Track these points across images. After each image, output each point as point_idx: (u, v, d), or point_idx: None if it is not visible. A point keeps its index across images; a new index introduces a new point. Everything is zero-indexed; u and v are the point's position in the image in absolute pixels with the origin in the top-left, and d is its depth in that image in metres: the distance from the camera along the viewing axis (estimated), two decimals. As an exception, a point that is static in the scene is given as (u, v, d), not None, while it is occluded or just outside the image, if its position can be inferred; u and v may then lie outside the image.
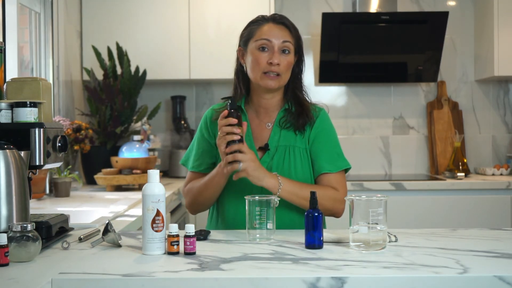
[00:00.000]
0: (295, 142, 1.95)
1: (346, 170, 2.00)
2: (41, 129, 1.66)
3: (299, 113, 1.96)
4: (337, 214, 1.94)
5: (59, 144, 1.74)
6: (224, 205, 1.96)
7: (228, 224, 1.94)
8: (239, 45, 1.99)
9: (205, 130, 2.01)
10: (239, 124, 1.78)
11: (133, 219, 2.21)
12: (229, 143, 1.76)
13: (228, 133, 1.76)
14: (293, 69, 1.96)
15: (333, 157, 1.97)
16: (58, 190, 2.88)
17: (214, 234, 1.77)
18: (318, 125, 1.98)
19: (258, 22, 1.95)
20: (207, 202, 1.97)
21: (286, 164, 1.92)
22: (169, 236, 1.50)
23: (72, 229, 1.80)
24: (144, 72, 3.64)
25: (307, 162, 1.95)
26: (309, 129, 1.97)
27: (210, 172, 1.92)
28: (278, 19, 1.94)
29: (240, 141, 1.77)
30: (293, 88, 1.98)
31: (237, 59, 2.00)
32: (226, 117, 1.78)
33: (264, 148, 1.94)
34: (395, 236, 1.66)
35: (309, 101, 2.01)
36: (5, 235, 1.39)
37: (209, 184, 1.90)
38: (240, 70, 1.99)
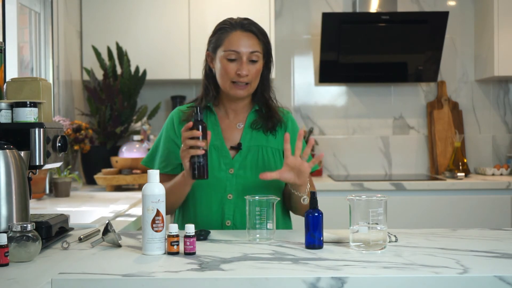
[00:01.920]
0: (267, 143, 1.97)
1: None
2: (41, 129, 1.66)
3: (269, 115, 1.99)
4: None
5: (59, 144, 1.74)
6: (196, 205, 1.95)
7: (200, 225, 1.92)
8: (208, 50, 1.99)
9: (172, 130, 1.99)
10: (204, 137, 1.74)
11: (133, 219, 2.21)
12: (192, 157, 1.74)
13: (192, 147, 1.73)
14: (262, 71, 1.98)
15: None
16: (58, 190, 2.88)
17: (214, 234, 1.77)
18: (291, 128, 2.02)
19: (225, 28, 1.94)
20: (172, 207, 1.95)
21: (260, 164, 1.93)
22: (169, 236, 1.50)
23: (72, 229, 1.80)
24: (144, 72, 3.64)
25: (280, 162, 1.96)
26: (281, 131, 2.00)
27: (175, 177, 1.90)
28: (246, 26, 1.93)
29: (205, 155, 1.73)
30: (262, 90, 2.01)
31: (206, 61, 2.01)
32: (191, 128, 1.74)
33: (237, 148, 1.95)
34: (395, 236, 1.66)
35: (276, 102, 2.03)
36: (5, 235, 1.39)
37: (173, 192, 1.88)
38: (209, 73, 2.00)
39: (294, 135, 2.00)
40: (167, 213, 1.98)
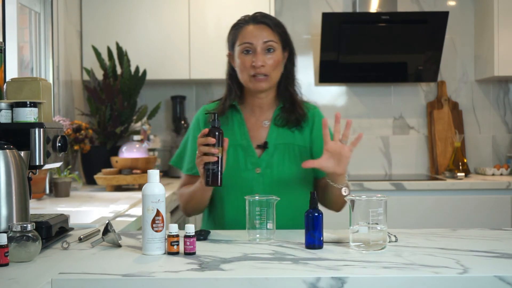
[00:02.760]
0: (294, 140, 1.95)
1: None
2: (41, 129, 1.66)
3: (291, 110, 1.97)
4: (341, 209, 1.98)
5: (59, 144, 1.74)
6: (223, 205, 1.95)
7: (227, 225, 1.93)
8: (228, 50, 2.00)
9: (197, 131, 1.99)
10: (220, 144, 1.71)
11: (133, 219, 2.21)
12: (206, 164, 1.72)
13: (206, 154, 1.71)
14: (285, 65, 1.97)
15: None
16: (58, 190, 2.88)
17: (214, 234, 1.77)
18: (319, 125, 1.98)
19: (239, 25, 1.96)
20: (197, 210, 1.96)
21: (287, 162, 1.92)
22: (169, 236, 1.50)
23: (72, 229, 1.80)
24: (144, 72, 3.64)
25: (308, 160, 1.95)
26: (308, 128, 1.98)
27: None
28: (259, 19, 1.94)
29: (219, 162, 1.70)
30: (286, 85, 2.00)
31: (228, 62, 2.02)
32: (207, 135, 1.72)
33: (263, 146, 1.94)
34: (395, 236, 1.66)
35: (300, 96, 2.02)
36: (5, 235, 1.39)
37: (193, 197, 1.90)
38: (232, 73, 2.00)
39: (321, 131, 1.99)
40: (195, 214, 1.99)
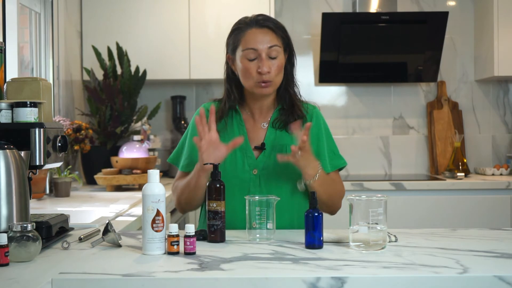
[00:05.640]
0: (291, 142, 1.94)
1: (341, 167, 2.04)
2: (41, 129, 1.66)
3: (290, 112, 1.96)
4: (337, 211, 1.98)
5: (59, 144, 1.74)
6: None
7: (226, 226, 1.92)
8: (227, 52, 1.98)
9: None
10: (223, 197, 1.66)
11: (133, 219, 2.21)
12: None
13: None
14: (285, 66, 1.96)
15: (331, 156, 2.00)
16: (58, 190, 2.88)
17: (214, 234, 1.76)
18: (316, 125, 1.99)
19: (241, 28, 1.93)
20: (191, 202, 1.92)
21: (284, 163, 1.92)
22: (169, 236, 1.50)
23: (72, 229, 1.80)
24: (144, 72, 3.64)
25: None
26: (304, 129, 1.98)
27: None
28: (261, 22, 1.91)
29: (222, 217, 1.65)
30: (286, 86, 1.99)
31: (227, 64, 1.99)
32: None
33: (260, 148, 1.94)
34: (395, 236, 1.66)
35: (300, 97, 2.01)
36: (5, 235, 1.39)
37: (190, 184, 1.86)
38: (231, 76, 1.98)
39: (322, 133, 1.99)
40: (189, 209, 1.97)
